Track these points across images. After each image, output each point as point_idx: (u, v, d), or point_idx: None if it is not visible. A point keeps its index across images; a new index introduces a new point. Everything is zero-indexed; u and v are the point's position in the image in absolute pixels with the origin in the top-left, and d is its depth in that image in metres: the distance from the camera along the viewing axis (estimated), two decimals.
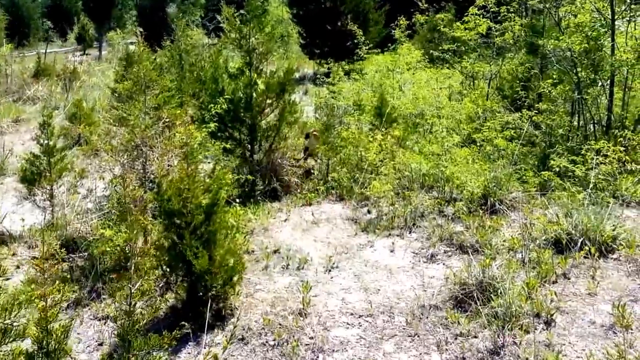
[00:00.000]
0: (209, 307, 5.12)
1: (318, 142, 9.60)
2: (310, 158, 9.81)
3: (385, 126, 10.03)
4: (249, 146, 9.15)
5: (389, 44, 18.22)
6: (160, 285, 5.77)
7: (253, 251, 6.78)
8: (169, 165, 5.80)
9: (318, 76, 16.21)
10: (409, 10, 16.27)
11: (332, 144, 9.38)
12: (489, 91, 11.70)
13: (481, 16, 11.39)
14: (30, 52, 29.91)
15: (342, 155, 9.42)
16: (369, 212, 8.00)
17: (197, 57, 10.55)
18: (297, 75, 23.25)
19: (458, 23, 12.71)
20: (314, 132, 9.97)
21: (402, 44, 14.48)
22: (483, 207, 7.24)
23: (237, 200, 7.65)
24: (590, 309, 4.86)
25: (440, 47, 15.29)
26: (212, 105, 8.00)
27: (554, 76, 10.26)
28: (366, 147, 9.01)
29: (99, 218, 7.41)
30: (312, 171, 9.70)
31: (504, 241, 6.16)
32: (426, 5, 18.61)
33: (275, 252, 6.73)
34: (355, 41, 16.63)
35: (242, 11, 8.85)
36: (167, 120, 6.79)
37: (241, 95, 8.90)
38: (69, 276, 6.22)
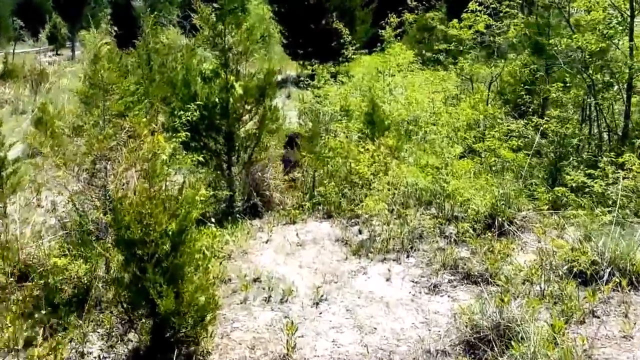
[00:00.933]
0: (177, 352, 4.51)
1: (303, 150, 9.00)
2: (293, 170, 9.18)
3: (377, 134, 9.44)
4: (226, 157, 8.51)
5: (378, 44, 17.75)
6: (123, 322, 5.12)
7: (230, 280, 6.15)
8: (128, 184, 5.15)
9: (302, 79, 15.59)
10: (397, 8, 15.75)
11: (319, 155, 8.76)
12: (489, 95, 11.14)
13: (481, 13, 10.81)
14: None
15: (329, 167, 8.80)
16: (360, 232, 7.39)
17: (168, 57, 9.88)
18: (279, 77, 22.66)
19: (454, 21, 12.15)
20: (296, 137, 9.40)
21: (392, 44, 13.90)
22: (490, 228, 6.66)
23: (213, 220, 7.01)
24: (629, 356, 4.27)
25: (433, 47, 14.85)
26: (182, 112, 7.34)
27: (565, 79, 9.72)
28: (356, 159, 8.41)
29: (58, 239, 6.73)
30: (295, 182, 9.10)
31: (519, 270, 5.56)
32: (415, 3, 18.22)
33: (255, 280, 6.11)
34: (342, 41, 16.14)
35: (215, 5, 8.21)
36: (130, 129, 6.12)
37: (216, 100, 8.26)
38: (20, 310, 5.55)
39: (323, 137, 9.36)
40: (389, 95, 12.13)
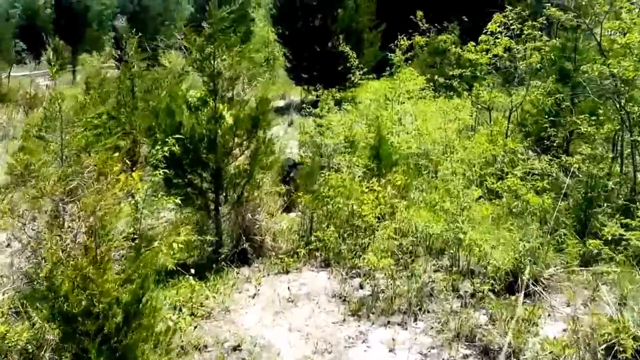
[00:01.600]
0: None
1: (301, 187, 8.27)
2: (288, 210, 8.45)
3: (384, 170, 8.69)
4: (213, 196, 7.75)
5: (387, 69, 17.03)
6: None
7: (206, 347, 5.37)
8: (73, 244, 4.38)
9: (305, 105, 14.88)
10: (407, 30, 15.07)
11: (318, 194, 7.99)
12: (509, 127, 10.36)
13: (502, 34, 10.05)
14: None
15: (329, 208, 8.02)
16: (361, 286, 6.61)
17: (155, 83, 9.13)
18: (282, 103, 22.00)
19: (470, 44, 11.41)
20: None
21: (402, 69, 13.17)
22: (512, 287, 5.87)
23: (192, 271, 6.24)
24: None
25: (445, 72, 14.11)
26: (159, 146, 6.58)
27: (595, 110, 8.93)
28: (360, 199, 7.64)
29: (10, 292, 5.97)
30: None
31: (549, 345, 4.76)
32: (427, 26, 17.64)
33: (235, 349, 5.33)
34: (349, 65, 15.50)
35: (204, 24, 7.51)
36: (92, 168, 5.39)
37: (203, 132, 7.53)
38: None
39: (323, 173, 8.58)
40: (398, 126, 11.39)
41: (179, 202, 7.41)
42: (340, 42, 17.73)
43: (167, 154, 6.44)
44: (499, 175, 8.81)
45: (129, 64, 8.83)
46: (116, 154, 6.13)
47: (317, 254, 7.59)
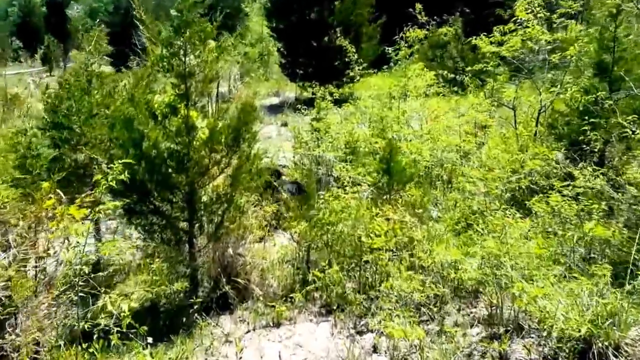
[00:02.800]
0: None
1: (294, 214, 6.61)
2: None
3: (396, 186, 7.05)
4: (186, 225, 6.09)
5: (385, 65, 15.59)
6: None
7: None
8: None
9: (299, 105, 13.23)
10: (406, 23, 13.56)
11: (316, 222, 6.32)
12: (538, 130, 8.69)
13: (530, 23, 8.39)
14: None
15: (329, 237, 6.36)
16: (375, 349, 4.97)
17: (118, 85, 7.39)
18: (276, 100, 20.35)
19: (483, 35, 9.75)
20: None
21: (407, 64, 11.53)
22: (584, 357, 4.24)
23: (150, 339, 4.58)
24: None
25: (450, 66, 12.60)
26: (110, 170, 4.90)
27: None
28: (368, 229, 6.00)
29: None
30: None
31: None
32: (426, 19, 16.35)
33: None
34: (347, 60, 13.93)
35: (173, 12, 5.85)
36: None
37: (172, 146, 5.87)
38: None
39: (321, 192, 6.92)
40: (406, 128, 9.75)
41: (142, 233, 5.83)
42: (338, 35, 16.11)
43: (125, 178, 4.75)
44: (532, 188, 7.21)
45: (85, 62, 7.14)
46: (45, 184, 4.46)
47: (316, 294, 5.98)
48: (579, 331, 4.15)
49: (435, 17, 19.52)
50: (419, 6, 16.25)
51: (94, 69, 7.15)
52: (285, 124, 15.46)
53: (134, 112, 5.89)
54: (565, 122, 8.68)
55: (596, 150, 7.70)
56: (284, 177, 9.24)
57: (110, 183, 4.59)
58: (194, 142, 5.92)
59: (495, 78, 10.04)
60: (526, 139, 8.14)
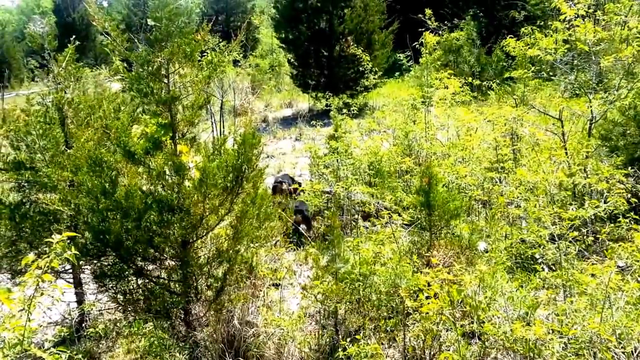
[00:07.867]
0: None
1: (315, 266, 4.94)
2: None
3: (438, 223, 5.38)
4: (180, 287, 4.47)
5: (398, 71, 14.18)
6: None
7: None
8: None
9: (312, 118, 11.64)
10: (417, 29, 12.19)
11: (342, 277, 4.65)
12: (590, 142, 6.99)
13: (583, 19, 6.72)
14: (9, 94, 26.82)
15: (360, 296, 4.70)
16: None
17: (99, 113, 5.71)
18: (289, 112, 18.70)
19: (509, 38, 8.05)
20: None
21: (425, 69, 9.95)
22: None
23: None
24: None
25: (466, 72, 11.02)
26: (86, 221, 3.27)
27: None
28: (412, 285, 4.35)
29: None
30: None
31: None
32: (437, 24, 15.03)
33: None
34: (361, 69, 12.38)
35: (150, 22, 4.23)
36: None
37: (157, 192, 4.26)
38: None
39: (349, 233, 5.27)
40: (434, 145, 8.11)
41: (120, 303, 4.25)
42: (350, 44, 14.53)
43: (71, 256, 3.16)
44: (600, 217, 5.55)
45: (56, 87, 5.51)
46: None
47: None
48: None
49: (445, 22, 18.03)
50: (429, 11, 14.84)
51: (62, 95, 5.51)
52: (299, 137, 13.82)
53: (102, 152, 4.27)
54: (620, 132, 7.01)
55: None
56: (300, 188, 7.61)
57: (54, 264, 3.00)
58: (184, 186, 4.30)
59: (525, 83, 8.39)
60: (581, 155, 6.46)
